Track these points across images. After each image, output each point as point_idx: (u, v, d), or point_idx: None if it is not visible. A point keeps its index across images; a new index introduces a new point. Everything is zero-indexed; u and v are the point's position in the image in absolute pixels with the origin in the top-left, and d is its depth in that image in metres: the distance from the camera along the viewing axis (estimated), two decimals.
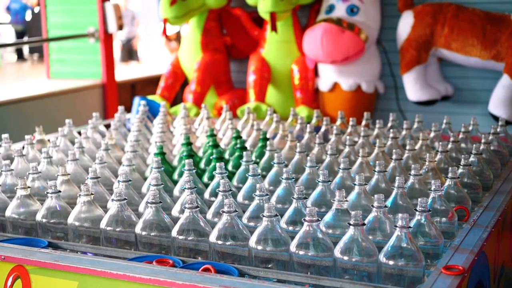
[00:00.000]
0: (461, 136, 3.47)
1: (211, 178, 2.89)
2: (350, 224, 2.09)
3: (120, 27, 7.14)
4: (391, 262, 2.06)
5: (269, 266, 2.21)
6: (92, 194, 2.50)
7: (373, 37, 5.55)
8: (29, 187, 2.63)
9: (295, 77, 5.68)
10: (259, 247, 2.19)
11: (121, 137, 3.76)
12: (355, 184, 2.51)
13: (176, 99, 6.50)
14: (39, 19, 7.95)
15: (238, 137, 3.33)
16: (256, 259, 2.20)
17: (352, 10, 5.48)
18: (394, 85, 5.75)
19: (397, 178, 2.47)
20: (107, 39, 7.02)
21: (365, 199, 2.49)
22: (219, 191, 2.45)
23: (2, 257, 2.28)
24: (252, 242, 2.20)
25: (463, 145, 3.44)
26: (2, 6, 18.91)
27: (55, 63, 7.30)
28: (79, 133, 3.88)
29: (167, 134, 3.72)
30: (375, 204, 2.25)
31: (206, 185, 2.84)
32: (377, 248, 2.11)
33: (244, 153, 2.88)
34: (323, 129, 3.77)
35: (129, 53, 15.36)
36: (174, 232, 2.31)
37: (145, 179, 3.02)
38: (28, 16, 17.36)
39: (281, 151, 3.24)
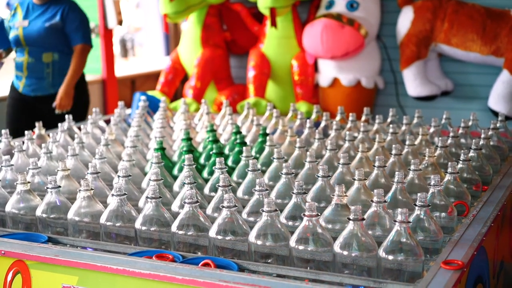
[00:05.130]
0: (460, 131, 3.47)
1: (211, 173, 2.89)
2: (349, 219, 2.10)
3: (120, 23, 7.15)
4: (390, 257, 2.06)
5: (269, 261, 2.21)
6: (92, 189, 2.50)
7: (373, 32, 5.55)
8: (29, 182, 2.64)
9: (295, 73, 5.68)
10: (259, 242, 2.19)
11: (121, 132, 3.76)
12: (354, 179, 2.51)
13: (176, 95, 6.51)
14: None
15: (238, 132, 3.33)
16: (255, 254, 2.21)
17: (352, 6, 5.48)
18: (394, 81, 5.75)
19: (396, 173, 2.47)
20: (107, 34, 7.01)
21: (364, 194, 2.49)
22: (219, 186, 2.45)
23: (2, 252, 2.28)
24: (251, 237, 2.20)
25: (462, 140, 3.44)
26: (2, 1, 18.89)
27: None
28: (79, 128, 3.89)
29: (167, 130, 3.72)
30: (375, 199, 2.25)
31: (206, 180, 2.84)
32: (377, 243, 2.11)
33: (244, 148, 2.88)
34: (322, 124, 3.77)
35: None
36: (174, 227, 2.31)
37: (145, 174, 3.02)
38: None
39: (280, 146, 3.24)
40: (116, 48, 9.42)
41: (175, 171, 3.04)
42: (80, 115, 4.91)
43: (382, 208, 2.26)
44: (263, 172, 2.93)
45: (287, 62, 5.75)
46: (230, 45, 6.23)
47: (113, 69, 7.18)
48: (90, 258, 2.18)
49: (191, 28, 6.03)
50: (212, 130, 3.31)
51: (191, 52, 6.01)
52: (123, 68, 8.44)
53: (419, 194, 2.25)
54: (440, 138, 3.10)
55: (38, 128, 3.66)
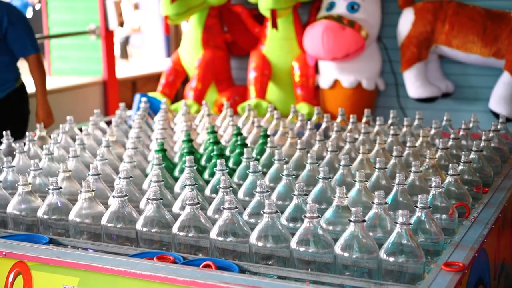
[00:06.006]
0: (461, 133, 3.47)
1: (212, 174, 2.89)
2: (350, 221, 2.10)
3: (121, 24, 7.15)
4: (391, 259, 2.06)
5: (270, 262, 2.21)
6: (93, 190, 2.50)
7: (374, 34, 5.55)
8: (30, 183, 2.64)
9: (296, 74, 5.68)
10: (260, 244, 2.19)
11: (122, 134, 3.76)
12: (355, 181, 2.51)
13: (177, 96, 6.51)
14: (40, 16, 7.96)
15: (239, 134, 3.33)
16: (256, 255, 2.21)
17: (352, 7, 5.49)
18: (395, 82, 5.75)
19: (397, 175, 2.47)
20: (108, 36, 7.02)
21: (365, 195, 2.49)
22: (220, 187, 2.46)
23: (4, 253, 2.28)
24: (252, 238, 2.20)
25: (463, 142, 3.44)
26: None
27: (56, 60, 7.30)
28: (80, 130, 3.89)
29: (168, 131, 3.73)
30: (376, 200, 2.25)
31: (207, 182, 2.84)
32: (378, 245, 2.11)
33: (245, 150, 2.88)
34: (323, 126, 3.78)
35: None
36: (175, 229, 2.31)
37: (146, 175, 3.02)
38: (29, 13, 17.36)
39: (281, 148, 3.24)
40: (116, 50, 9.42)
41: (176, 173, 3.04)
42: (17, 129, 4.31)
43: (383, 209, 2.26)
44: (264, 173, 2.93)
45: (288, 63, 5.75)
46: (231, 47, 6.23)
47: (114, 70, 7.18)
48: (91, 259, 2.19)
49: (192, 29, 6.03)
50: (213, 132, 3.31)
51: (192, 53, 6.02)
52: (124, 70, 8.44)
53: (420, 196, 2.25)
54: (440, 139, 3.10)
55: (39, 129, 3.66)
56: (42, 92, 4.65)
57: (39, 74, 4.63)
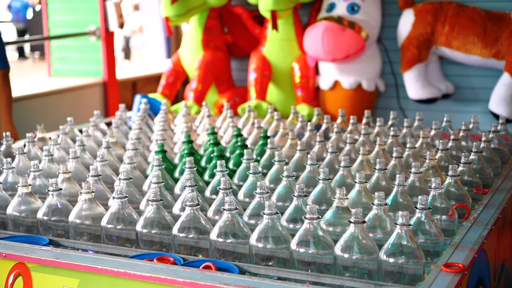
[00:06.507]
0: (461, 134, 3.48)
1: (212, 176, 2.89)
2: (350, 222, 2.10)
3: (121, 25, 7.15)
4: (391, 260, 2.06)
5: (270, 263, 2.22)
6: (93, 192, 2.50)
7: (374, 35, 5.55)
8: (30, 185, 2.64)
9: (296, 75, 5.68)
10: (260, 245, 2.19)
11: (122, 135, 3.76)
12: (355, 182, 2.51)
13: (177, 97, 6.51)
14: (40, 17, 7.97)
15: (239, 135, 3.33)
16: (256, 256, 2.21)
17: (352, 9, 5.49)
18: (395, 83, 5.75)
19: (397, 176, 2.47)
20: (108, 37, 7.02)
21: (365, 197, 2.49)
22: (220, 189, 2.46)
23: (4, 254, 2.28)
24: (252, 239, 2.20)
25: (463, 143, 3.44)
26: (4, 4, 18.92)
27: (56, 61, 7.30)
28: (80, 131, 3.89)
29: (168, 132, 3.73)
30: (376, 202, 2.25)
31: (207, 183, 2.84)
32: (378, 246, 2.12)
33: (245, 151, 2.89)
34: (323, 127, 3.78)
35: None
36: (175, 230, 2.31)
37: (146, 177, 3.02)
38: (29, 15, 17.38)
39: (281, 149, 3.24)
40: (119, 51, 9.40)
41: (176, 174, 3.04)
42: None
43: (383, 211, 2.26)
44: (264, 174, 2.93)
45: (288, 64, 5.75)
46: (231, 48, 6.23)
47: (114, 71, 7.19)
48: (91, 260, 2.19)
49: (192, 30, 6.03)
50: (213, 133, 3.31)
51: (192, 54, 6.02)
52: (125, 71, 8.45)
53: (419, 197, 2.25)
54: (440, 141, 3.10)
55: (40, 131, 3.67)
56: (7, 111, 4.24)
57: (5, 91, 4.22)
